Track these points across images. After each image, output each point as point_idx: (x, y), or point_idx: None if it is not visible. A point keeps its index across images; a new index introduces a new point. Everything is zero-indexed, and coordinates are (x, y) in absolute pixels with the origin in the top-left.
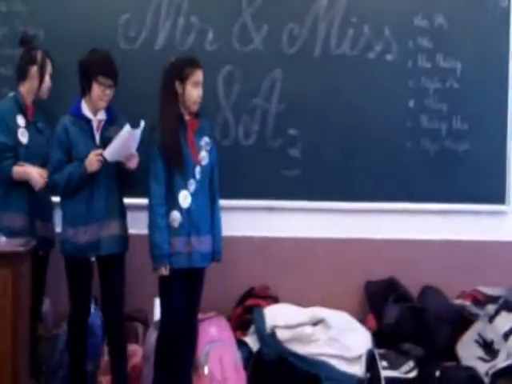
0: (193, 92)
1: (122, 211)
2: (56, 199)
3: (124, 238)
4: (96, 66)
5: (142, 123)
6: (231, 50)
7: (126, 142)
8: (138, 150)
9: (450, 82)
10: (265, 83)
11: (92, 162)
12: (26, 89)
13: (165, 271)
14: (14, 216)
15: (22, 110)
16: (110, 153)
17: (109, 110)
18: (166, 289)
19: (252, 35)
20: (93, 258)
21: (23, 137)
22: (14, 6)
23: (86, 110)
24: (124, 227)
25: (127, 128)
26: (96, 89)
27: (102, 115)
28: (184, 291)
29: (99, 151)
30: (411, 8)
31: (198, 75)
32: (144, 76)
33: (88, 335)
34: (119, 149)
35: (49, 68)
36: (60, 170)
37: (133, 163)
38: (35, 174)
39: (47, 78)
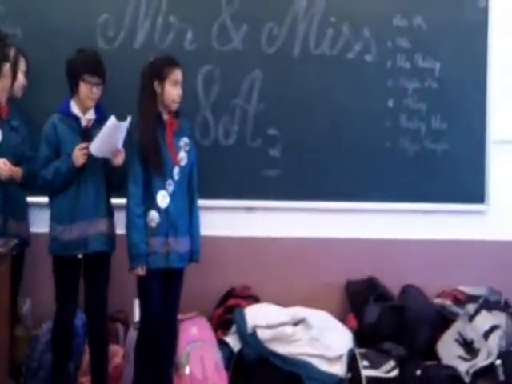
0: (172, 91)
1: (109, 210)
2: (33, 199)
3: (111, 237)
4: (82, 65)
5: (129, 118)
6: (210, 49)
7: (111, 134)
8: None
9: (428, 81)
10: (244, 83)
11: (78, 156)
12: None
13: (141, 271)
14: None
15: None
16: (96, 147)
17: (98, 109)
18: (144, 289)
19: (231, 35)
20: (80, 256)
21: None
22: None
23: (75, 108)
24: (111, 226)
25: (112, 119)
26: (83, 87)
27: (91, 114)
28: (162, 291)
29: (85, 145)
30: (390, 8)
31: (177, 74)
32: (123, 76)
33: (73, 336)
34: (105, 142)
35: (22, 66)
36: (47, 166)
37: (119, 160)
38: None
39: (20, 76)
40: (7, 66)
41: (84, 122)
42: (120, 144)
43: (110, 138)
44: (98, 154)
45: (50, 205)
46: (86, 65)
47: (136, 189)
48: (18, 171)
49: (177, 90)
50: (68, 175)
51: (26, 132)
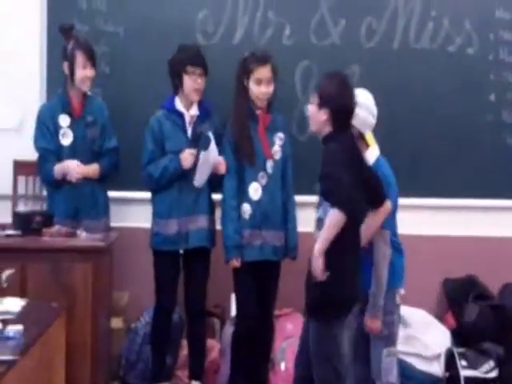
0: (255, 89)
1: (210, 206)
2: (134, 194)
3: (212, 233)
4: (184, 59)
5: (210, 134)
6: (308, 44)
7: (206, 162)
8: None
9: None
10: None
11: (186, 158)
12: (70, 85)
13: (236, 263)
14: (60, 221)
15: (66, 109)
16: (200, 181)
17: (202, 105)
18: (239, 283)
19: (329, 29)
20: (181, 251)
21: (64, 138)
22: (94, 4)
23: (179, 105)
24: (212, 222)
25: (202, 156)
26: (187, 80)
27: (194, 110)
28: (257, 286)
29: (194, 151)
30: (492, 0)
31: (261, 73)
32: (222, 71)
33: (171, 329)
34: (205, 172)
35: (80, 59)
36: (154, 162)
37: (221, 170)
38: (70, 164)
39: (78, 70)
40: (66, 64)
41: (188, 118)
42: (217, 159)
43: (207, 165)
44: (204, 181)
45: (153, 200)
46: (188, 57)
47: (230, 181)
48: (93, 171)
49: (260, 88)
50: (174, 175)
51: (105, 123)
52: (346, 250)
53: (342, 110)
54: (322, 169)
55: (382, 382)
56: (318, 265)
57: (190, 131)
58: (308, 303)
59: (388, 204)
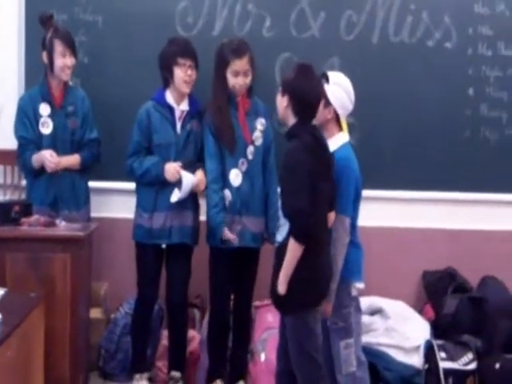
0: (232, 80)
1: (195, 203)
2: (114, 184)
3: (195, 230)
4: (174, 51)
5: (195, 175)
6: (288, 37)
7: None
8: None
9: (511, 70)
10: (322, 71)
11: (172, 173)
12: (49, 74)
13: (227, 235)
14: (39, 210)
15: (46, 98)
16: (175, 198)
17: (192, 101)
18: (215, 270)
19: (309, 22)
20: (163, 246)
21: (44, 127)
22: None
23: (170, 98)
24: (196, 219)
25: (176, 194)
26: (178, 71)
27: (185, 106)
28: (235, 273)
29: (179, 168)
30: None
31: (238, 65)
32: (202, 63)
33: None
34: (184, 193)
35: (59, 47)
36: (139, 159)
37: (201, 187)
38: (45, 154)
39: (57, 59)
40: (44, 54)
41: (178, 113)
42: (194, 182)
43: (187, 189)
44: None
45: (137, 192)
46: (177, 49)
47: (212, 165)
48: (73, 161)
49: (237, 80)
50: (155, 180)
51: (86, 114)
52: (314, 246)
53: (300, 96)
54: (281, 181)
55: (342, 374)
56: (283, 290)
57: (179, 126)
58: (275, 299)
59: (332, 216)
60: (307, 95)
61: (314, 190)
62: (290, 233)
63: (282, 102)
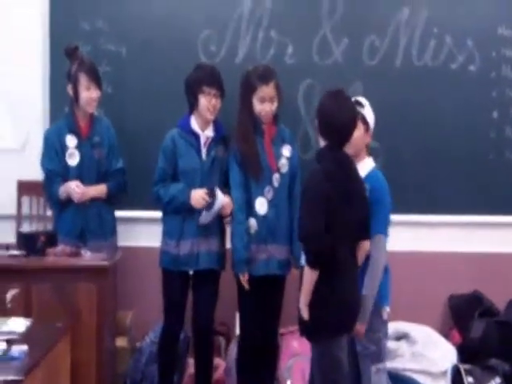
0: (258, 106)
1: (221, 228)
2: (140, 213)
3: (222, 255)
4: (200, 78)
5: (218, 192)
6: (311, 63)
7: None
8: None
9: None
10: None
11: (198, 200)
12: (75, 106)
13: (243, 278)
14: (65, 241)
15: (73, 129)
16: (204, 220)
17: (217, 127)
18: (244, 299)
19: (332, 48)
20: (191, 272)
21: (71, 158)
22: (97, 24)
23: (194, 125)
24: (222, 244)
25: (204, 216)
26: (202, 99)
27: (210, 132)
28: (262, 301)
29: (204, 195)
30: (494, 17)
31: (264, 91)
32: (225, 89)
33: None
34: (212, 215)
35: (83, 81)
36: (165, 186)
37: (227, 211)
38: (71, 185)
39: (82, 92)
40: (69, 87)
41: (203, 139)
42: (224, 200)
43: (215, 211)
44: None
45: (164, 220)
46: (203, 77)
47: (237, 194)
48: (99, 191)
49: (263, 107)
50: (181, 206)
51: (112, 143)
52: (336, 272)
53: (328, 120)
54: (300, 207)
55: None
56: (305, 316)
57: (204, 152)
58: (300, 325)
59: (366, 245)
60: (335, 119)
61: (331, 215)
62: (305, 260)
63: (315, 125)
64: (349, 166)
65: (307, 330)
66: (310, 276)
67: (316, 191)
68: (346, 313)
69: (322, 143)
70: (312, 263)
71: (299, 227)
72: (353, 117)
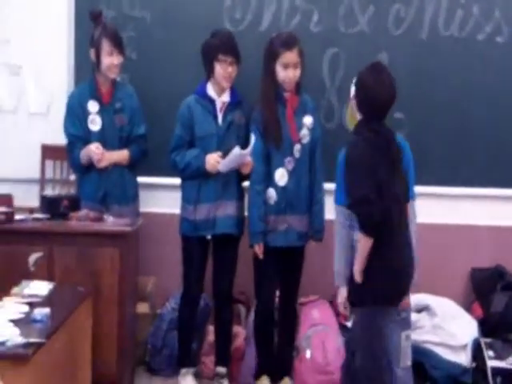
0: (281, 73)
1: (239, 193)
2: (161, 180)
3: (240, 220)
4: (216, 46)
5: (252, 140)
6: (336, 32)
7: (237, 160)
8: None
9: None
10: None
11: (211, 164)
12: (97, 71)
13: (258, 250)
14: (88, 205)
15: (95, 95)
16: (224, 168)
17: (233, 92)
18: (260, 268)
19: (357, 17)
20: (209, 237)
21: (93, 124)
22: None
23: (211, 90)
24: (240, 209)
25: (236, 151)
26: (218, 67)
27: (226, 97)
28: (280, 272)
29: (219, 158)
30: None
31: (288, 57)
32: (249, 58)
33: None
34: (232, 165)
35: (106, 46)
36: (181, 153)
37: (246, 170)
38: (91, 147)
39: (104, 58)
40: (92, 51)
41: (219, 105)
42: (248, 159)
43: (236, 161)
44: (227, 170)
45: (182, 185)
46: (219, 45)
47: (257, 166)
48: (122, 156)
49: (287, 73)
50: (197, 172)
51: (134, 110)
52: (387, 239)
53: (366, 96)
54: (346, 178)
55: (400, 366)
56: (360, 279)
57: (220, 118)
58: (350, 292)
59: (412, 205)
60: (375, 94)
61: (377, 182)
62: (358, 227)
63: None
64: (387, 134)
65: (354, 296)
66: (364, 243)
67: (360, 159)
68: (393, 284)
69: (358, 116)
70: (365, 229)
71: (349, 196)
72: (392, 93)
